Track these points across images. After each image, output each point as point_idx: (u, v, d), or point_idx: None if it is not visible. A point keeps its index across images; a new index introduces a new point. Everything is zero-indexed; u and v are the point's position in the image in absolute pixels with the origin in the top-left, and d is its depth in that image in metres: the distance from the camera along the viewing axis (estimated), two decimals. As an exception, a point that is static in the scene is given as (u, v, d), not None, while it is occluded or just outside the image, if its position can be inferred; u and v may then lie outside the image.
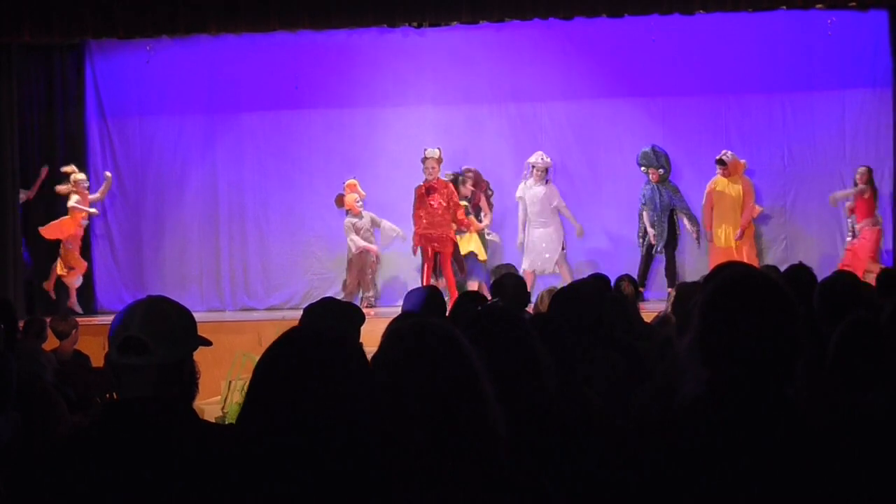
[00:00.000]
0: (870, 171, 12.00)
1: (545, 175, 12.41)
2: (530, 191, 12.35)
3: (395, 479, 2.14)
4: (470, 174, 12.46)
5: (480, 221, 12.37)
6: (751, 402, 2.38)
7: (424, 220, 11.74)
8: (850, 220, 12.13)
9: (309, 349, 2.19)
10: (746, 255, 11.98)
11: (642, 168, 12.51)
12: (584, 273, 11.04)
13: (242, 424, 2.21)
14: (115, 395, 2.67)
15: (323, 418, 2.11)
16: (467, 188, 12.38)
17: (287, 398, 2.13)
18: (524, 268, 12.16)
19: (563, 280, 11.66)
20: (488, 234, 12.47)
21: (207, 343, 2.66)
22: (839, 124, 12.74)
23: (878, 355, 3.49)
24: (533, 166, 12.35)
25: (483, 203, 12.46)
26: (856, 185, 11.98)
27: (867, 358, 3.55)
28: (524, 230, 12.41)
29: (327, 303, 4.39)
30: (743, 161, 12.36)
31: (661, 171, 12.40)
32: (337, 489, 2.10)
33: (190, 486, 2.39)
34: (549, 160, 12.42)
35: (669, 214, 12.36)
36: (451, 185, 11.94)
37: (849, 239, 12.12)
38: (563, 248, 12.41)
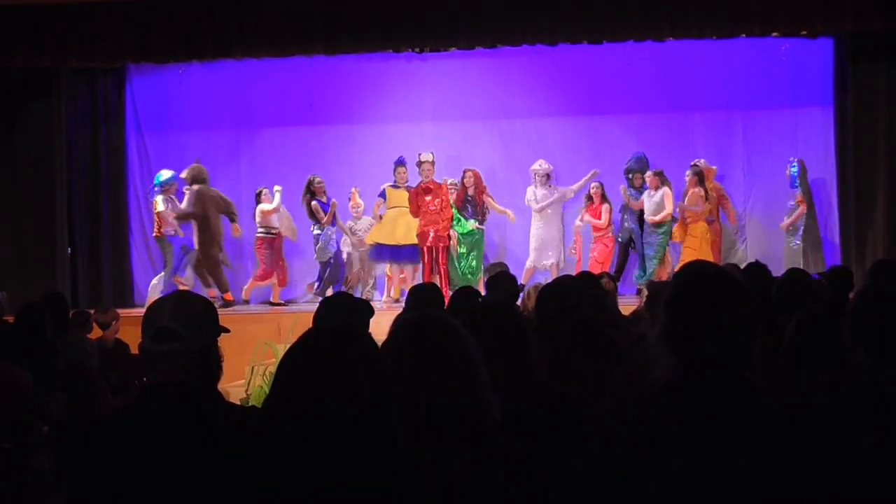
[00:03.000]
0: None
1: (547, 180, 12.33)
2: (536, 194, 12.27)
3: (400, 455, 2.15)
4: (470, 174, 12.17)
5: (483, 223, 12.12)
6: (713, 384, 2.38)
7: (421, 220, 11.71)
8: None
9: (325, 343, 2.22)
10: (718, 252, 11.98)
11: (630, 174, 12.37)
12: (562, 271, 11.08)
13: (269, 406, 2.23)
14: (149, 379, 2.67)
15: (336, 402, 2.13)
16: (469, 186, 12.08)
17: (306, 385, 2.15)
18: (527, 265, 12.06)
19: (552, 276, 11.62)
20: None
21: (226, 331, 2.67)
22: (792, 139, 12.73)
23: (828, 342, 3.50)
24: (534, 173, 12.33)
25: (489, 203, 12.16)
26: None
27: (818, 344, 3.56)
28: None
29: (340, 297, 4.39)
30: (714, 167, 12.29)
31: (646, 177, 12.35)
32: (347, 463, 2.11)
33: (216, 459, 2.40)
34: (548, 166, 12.36)
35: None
36: (444, 187, 11.88)
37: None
38: (562, 249, 12.26)
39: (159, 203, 12.09)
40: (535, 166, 12.35)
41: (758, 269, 5.37)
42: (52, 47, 11.60)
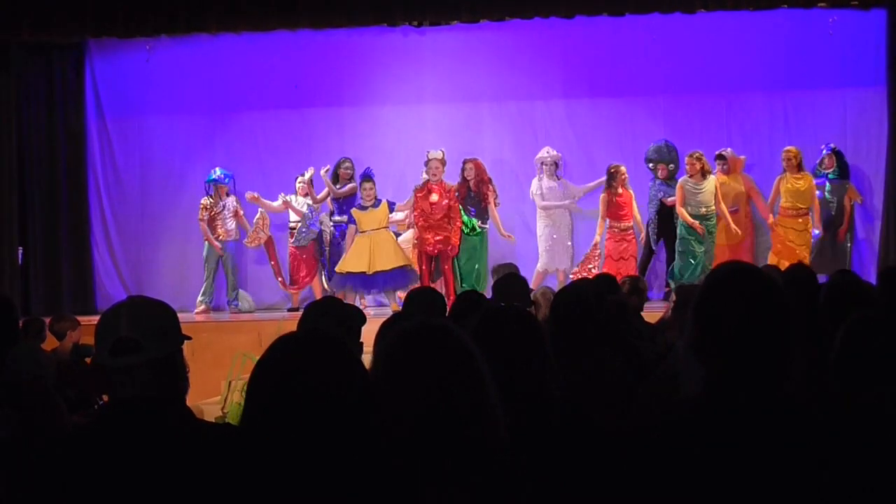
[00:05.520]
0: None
1: (555, 170, 12.31)
2: (542, 187, 12.24)
3: (396, 475, 2.15)
4: (470, 165, 11.93)
5: (486, 222, 11.87)
6: (748, 399, 2.37)
7: (423, 223, 11.63)
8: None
9: (302, 350, 2.24)
10: (748, 250, 11.98)
11: (650, 164, 12.37)
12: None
13: (244, 424, 2.25)
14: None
15: (316, 416, 2.16)
16: (470, 179, 11.83)
17: (282, 398, 2.17)
18: (538, 268, 11.99)
19: (558, 279, 11.58)
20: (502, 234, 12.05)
21: (187, 338, 2.68)
22: (840, 122, 12.73)
23: (883, 352, 3.48)
24: (542, 162, 12.28)
25: (491, 205, 11.88)
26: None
27: (871, 355, 3.54)
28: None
29: (327, 302, 4.38)
30: (742, 157, 12.36)
31: (671, 166, 12.28)
32: (333, 483, 2.12)
33: (189, 484, 2.40)
34: (556, 154, 12.34)
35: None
36: (453, 190, 11.72)
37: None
38: (572, 251, 12.22)
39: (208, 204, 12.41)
40: (542, 154, 12.31)
41: (802, 271, 5.35)
42: (0, 17, 11.54)
